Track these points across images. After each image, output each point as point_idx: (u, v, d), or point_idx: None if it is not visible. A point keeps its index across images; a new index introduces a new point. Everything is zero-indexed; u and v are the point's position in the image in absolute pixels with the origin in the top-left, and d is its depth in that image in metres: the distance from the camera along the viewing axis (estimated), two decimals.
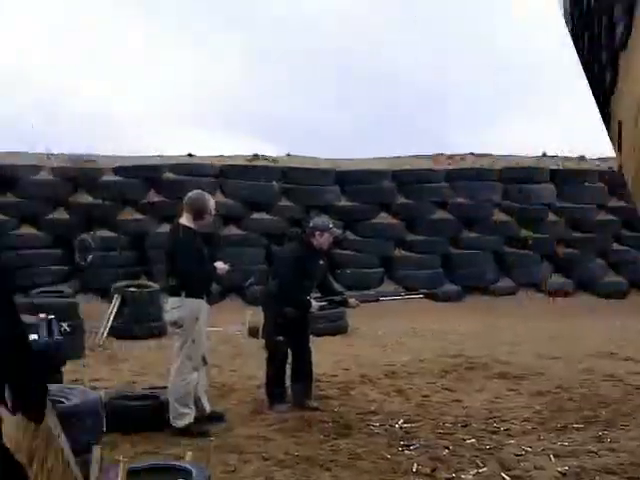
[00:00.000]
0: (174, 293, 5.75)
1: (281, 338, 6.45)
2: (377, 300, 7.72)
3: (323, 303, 6.72)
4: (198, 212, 5.78)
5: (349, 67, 32.43)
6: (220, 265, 6.01)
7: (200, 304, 5.81)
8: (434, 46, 33.01)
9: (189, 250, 5.75)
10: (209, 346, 6.56)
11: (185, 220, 5.82)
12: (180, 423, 5.62)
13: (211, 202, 5.91)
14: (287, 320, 6.41)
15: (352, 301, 6.85)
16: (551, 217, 16.66)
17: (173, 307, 5.74)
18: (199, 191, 6.10)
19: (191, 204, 5.82)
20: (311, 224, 6.69)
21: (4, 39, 31.44)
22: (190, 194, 5.95)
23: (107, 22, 32.40)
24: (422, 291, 8.51)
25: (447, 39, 33.21)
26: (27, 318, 7.27)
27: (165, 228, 13.16)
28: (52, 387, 4.69)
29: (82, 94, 31.38)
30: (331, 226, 6.68)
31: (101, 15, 33.18)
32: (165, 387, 6.26)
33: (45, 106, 28.82)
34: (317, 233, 6.52)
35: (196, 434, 5.55)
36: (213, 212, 5.94)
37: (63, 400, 4.30)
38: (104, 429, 4.89)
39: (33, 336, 6.34)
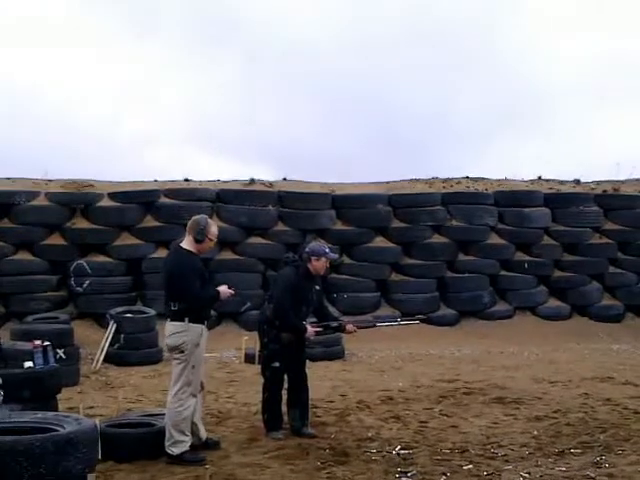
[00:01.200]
0: (177, 318, 5.67)
1: (277, 364, 6.43)
2: (374, 325, 7.68)
3: (319, 329, 6.69)
4: (200, 236, 5.77)
5: (345, 91, 32.64)
6: (224, 289, 5.96)
7: (202, 329, 5.80)
8: (430, 70, 33.27)
9: (194, 274, 5.74)
10: (205, 372, 6.52)
11: (187, 244, 5.82)
12: (176, 450, 5.57)
13: (214, 227, 5.90)
14: (283, 345, 6.39)
15: (349, 327, 6.83)
16: (546, 240, 16.70)
17: (176, 332, 5.65)
18: (203, 215, 6.08)
19: (194, 228, 5.80)
20: (307, 249, 6.67)
21: None
22: (194, 218, 5.93)
23: (102, 44, 32.62)
24: (419, 316, 8.48)
25: (443, 63, 33.48)
26: (22, 345, 7.26)
27: (161, 253, 13.18)
28: (47, 415, 4.67)
29: (79, 118, 31.50)
30: (327, 251, 6.68)
31: (96, 37, 33.39)
32: (161, 414, 6.23)
33: (43, 131, 28.89)
34: (314, 258, 6.52)
35: (191, 462, 5.50)
36: (215, 238, 5.93)
37: (58, 428, 4.28)
38: (99, 457, 4.87)
39: (28, 363, 6.31)
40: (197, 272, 5.78)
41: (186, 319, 5.66)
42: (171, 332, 5.70)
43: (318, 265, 6.54)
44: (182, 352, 5.66)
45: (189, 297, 5.68)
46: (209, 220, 5.94)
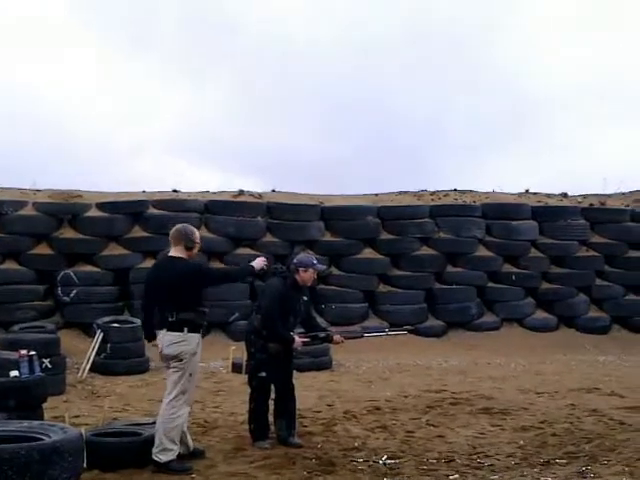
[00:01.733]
0: (175, 328, 5.69)
1: (264, 374, 6.42)
2: (361, 336, 7.70)
3: (307, 339, 6.70)
4: (190, 243, 5.84)
5: (334, 105, 32.78)
6: (257, 260, 6.11)
7: (199, 339, 5.86)
8: (419, 85, 33.48)
9: (197, 284, 5.83)
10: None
11: (178, 253, 5.85)
12: (164, 458, 5.54)
13: (197, 233, 6.00)
14: (270, 355, 6.39)
15: (336, 337, 6.84)
16: (534, 253, 16.79)
17: (175, 342, 5.67)
18: (184, 224, 6.12)
19: (181, 237, 5.86)
20: (295, 260, 6.70)
21: None
22: (177, 227, 5.99)
23: (95, 58, 32.66)
24: (406, 327, 8.51)
25: (434, 77, 33.69)
26: (8, 354, 7.23)
27: (149, 263, 13.15)
28: (33, 423, 4.65)
29: (67, 130, 31.46)
30: (315, 262, 6.70)
31: (87, 52, 33.44)
32: (147, 424, 6.21)
33: (32, 141, 28.85)
34: (301, 269, 6.54)
35: (178, 471, 5.49)
36: (199, 243, 6.01)
37: (44, 437, 4.26)
38: (85, 466, 4.85)
39: (14, 372, 6.28)
40: (198, 282, 5.92)
41: (185, 329, 5.70)
42: (170, 342, 5.69)
43: (306, 276, 6.56)
44: (180, 360, 5.69)
45: (193, 308, 5.76)
46: (191, 227, 6.03)
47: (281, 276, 6.64)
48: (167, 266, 5.93)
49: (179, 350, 5.69)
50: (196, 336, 5.80)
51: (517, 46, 35.04)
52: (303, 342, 6.57)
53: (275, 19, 32.67)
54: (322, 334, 6.86)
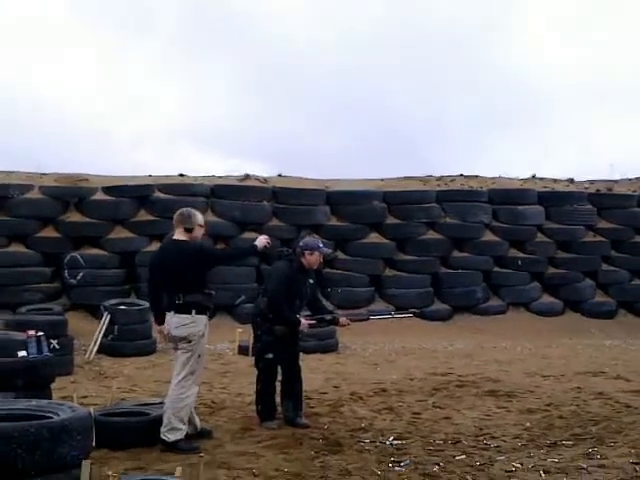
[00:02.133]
0: (183, 310, 5.73)
1: (271, 356, 6.44)
2: (367, 319, 7.69)
3: (313, 322, 6.70)
4: (188, 225, 5.86)
5: (341, 89, 32.66)
6: (260, 239, 6.09)
7: (206, 321, 5.91)
8: (425, 67, 33.30)
9: (200, 265, 5.86)
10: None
11: (180, 236, 5.89)
12: (171, 437, 5.58)
13: (199, 215, 6.01)
14: (277, 338, 6.41)
15: (342, 320, 6.84)
16: (540, 238, 16.76)
17: (183, 324, 5.71)
18: (187, 207, 6.15)
19: (179, 219, 5.90)
20: (301, 243, 6.70)
21: None
22: (178, 211, 6.02)
23: (99, 42, 32.55)
24: (412, 310, 8.49)
25: (439, 62, 33.53)
26: (15, 334, 7.26)
27: (154, 246, 13.17)
28: (41, 402, 4.67)
29: (75, 113, 31.45)
30: (321, 245, 6.70)
31: (93, 34, 33.33)
32: (155, 404, 6.24)
33: (38, 125, 28.86)
34: (307, 252, 6.54)
35: (186, 450, 5.52)
36: (203, 225, 6.01)
37: (53, 415, 4.28)
38: (93, 445, 4.88)
39: (22, 352, 6.31)
40: (204, 265, 5.98)
41: (193, 311, 5.74)
42: (178, 324, 5.73)
43: (311, 259, 6.56)
44: (189, 342, 5.74)
45: (200, 290, 5.80)
46: (191, 209, 6.04)
47: (287, 259, 6.64)
48: (170, 249, 5.99)
49: (187, 332, 5.73)
50: (204, 318, 5.85)
51: (526, 28, 34.82)
52: (309, 324, 6.59)
53: (282, 3, 32.51)
54: (328, 316, 6.87)
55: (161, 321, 5.93)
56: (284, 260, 6.65)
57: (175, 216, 5.99)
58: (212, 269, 6.39)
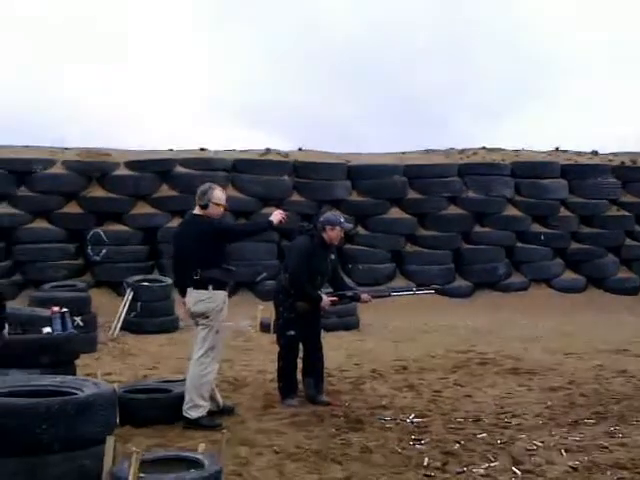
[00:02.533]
0: (200, 286, 5.76)
1: (292, 332, 6.45)
2: (389, 295, 7.68)
3: (335, 298, 6.70)
4: (203, 201, 5.86)
5: (361, 63, 32.39)
6: (275, 214, 6.08)
7: (225, 296, 5.92)
8: (446, 40, 32.92)
9: (217, 240, 5.88)
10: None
11: (197, 211, 5.94)
12: (194, 414, 5.63)
13: (217, 191, 5.92)
14: (298, 314, 6.42)
15: (364, 296, 6.82)
16: (563, 212, 16.60)
17: (201, 299, 5.75)
18: (208, 183, 6.13)
19: (198, 196, 5.93)
20: (322, 218, 6.67)
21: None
22: (200, 187, 6.03)
23: (120, 18, 32.46)
24: (433, 286, 8.47)
25: (460, 33, 33.08)
26: (40, 311, 7.33)
27: (176, 222, 13.21)
28: (66, 378, 4.73)
29: (95, 88, 31.50)
30: (342, 220, 6.67)
31: (114, 12, 33.24)
32: (178, 381, 6.29)
33: (60, 99, 28.95)
34: (328, 227, 6.51)
35: (208, 427, 5.57)
36: (221, 202, 5.94)
37: (77, 391, 4.33)
38: (117, 421, 4.93)
39: (47, 329, 6.38)
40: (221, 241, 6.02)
41: (210, 287, 5.76)
42: (196, 300, 5.77)
43: (333, 234, 6.53)
44: (207, 318, 5.77)
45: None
46: (212, 185, 6.01)
47: (308, 234, 6.62)
48: (190, 224, 6.11)
49: (205, 307, 5.75)
50: (222, 293, 5.86)
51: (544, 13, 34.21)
52: (331, 301, 6.58)
53: None
54: (350, 293, 6.86)
55: (183, 293, 5.99)
56: (305, 235, 6.63)
57: (197, 192, 6.00)
58: (229, 245, 6.41)
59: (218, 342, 5.90)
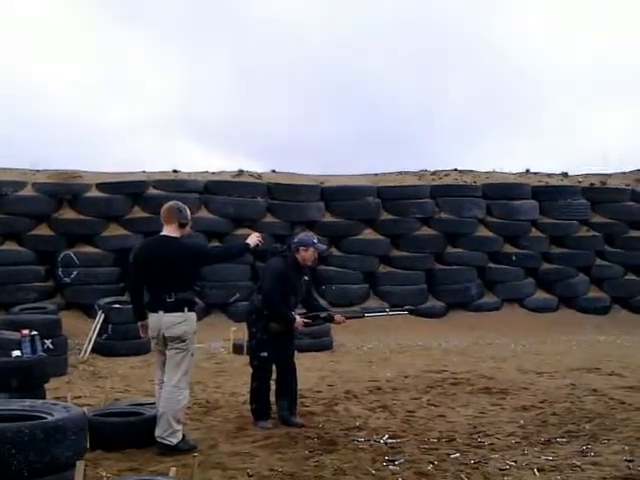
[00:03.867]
0: (175, 309, 5.60)
1: (265, 354, 6.42)
2: (362, 316, 7.69)
3: (308, 320, 6.68)
4: (182, 220, 5.72)
5: (334, 84, 32.62)
6: (252, 237, 6.01)
7: (195, 318, 5.80)
8: (419, 62, 33.29)
9: (197, 263, 5.84)
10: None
11: (172, 232, 5.72)
12: (174, 440, 5.51)
13: (188, 211, 5.86)
14: (271, 335, 6.40)
15: (338, 317, 6.82)
16: (534, 233, 16.78)
17: (177, 322, 5.58)
18: (175, 201, 5.98)
19: (173, 214, 5.72)
20: (296, 239, 6.69)
21: None
22: (169, 204, 5.83)
23: (94, 36, 32.42)
24: (407, 307, 8.49)
25: (432, 54, 33.50)
26: (10, 334, 7.24)
27: None
28: (35, 402, 4.66)
29: (67, 109, 31.33)
30: (316, 241, 6.69)
31: (86, 30, 33.20)
32: (149, 403, 6.21)
33: (31, 121, 28.76)
34: (302, 248, 6.53)
35: (187, 450, 5.44)
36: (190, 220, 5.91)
37: (47, 415, 4.27)
38: (87, 445, 4.86)
39: (16, 352, 6.29)
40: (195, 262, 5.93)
41: (185, 309, 5.63)
42: (172, 323, 5.58)
43: (306, 255, 6.54)
44: (184, 341, 5.62)
45: (191, 287, 5.76)
46: (181, 203, 5.89)
47: (281, 255, 6.62)
48: (164, 246, 5.72)
49: (182, 330, 5.60)
50: (194, 315, 5.76)
51: (514, 24, 34.80)
52: (305, 323, 6.57)
53: (275, 1, 32.42)
54: (323, 314, 6.86)
55: (142, 317, 5.80)
56: (279, 256, 6.63)
57: (164, 210, 5.79)
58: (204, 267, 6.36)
59: (192, 366, 5.81)
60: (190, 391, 6.07)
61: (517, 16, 34.89)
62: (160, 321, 5.62)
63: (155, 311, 5.65)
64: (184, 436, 5.70)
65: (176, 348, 5.64)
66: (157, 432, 5.53)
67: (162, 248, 5.73)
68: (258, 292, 6.58)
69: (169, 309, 5.61)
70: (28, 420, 4.14)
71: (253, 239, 6.00)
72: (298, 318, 6.48)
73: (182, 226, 5.74)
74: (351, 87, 32.47)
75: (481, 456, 5.43)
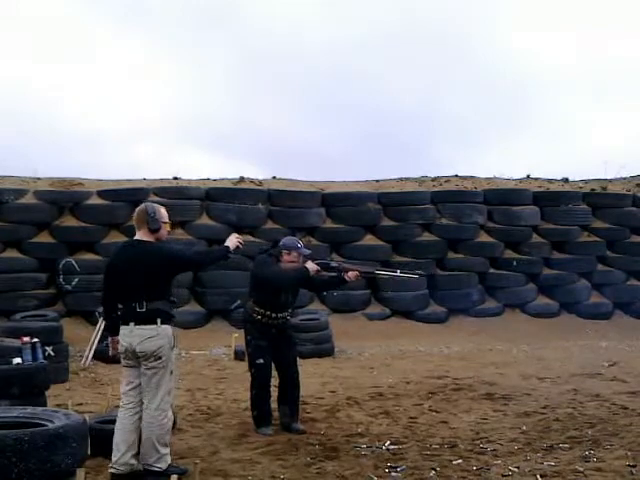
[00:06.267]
0: (147, 321, 5.03)
1: (262, 361, 6.38)
2: (374, 273, 7.54)
3: (319, 268, 6.51)
4: (153, 225, 5.15)
5: (335, 90, 32.67)
6: (231, 238, 5.47)
7: (172, 332, 5.19)
8: (419, 69, 33.34)
9: (174, 270, 5.29)
10: (194, 369, 6.50)
11: (144, 236, 5.19)
12: (164, 465, 5.03)
13: (162, 210, 5.26)
14: (269, 340, 6.38)
15: (350, 274, 6.50)
16: (535, 238, 16.77)
17: (149, 337, 4.99)
18: (148, 203, 5.43)
19: (142, 218, 5.18)
20: (280, 243, 6.64)
21: None
22: (139, 207, 5.29)
23: (93, 42, 32.51)
24: (418, 272, 8.25)
25: (432, 62, 33.56)
26: (10, 341, 7.23)
27: None
28: (36, 409, 4.65)
29: (68, 116, 31.40)
30: (300, 246, 6.61)
31: (86, 35, 33.29)
32: None
33: (32, 128, 28.81)
34: (284, 252, 6.48)
35: (178, 473, 4.86)
36: (168, 220, 5.30)
37: (47, 423, 4.26)
38: (88, 452, 4.85)
39: (17, 359, 6.28)
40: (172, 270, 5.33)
41: (158, 320, 5.04)
42: (143, 337, 4.99)
43: (288, 259, 6.48)
44: (159, 359, 5.02)
45: (169, 296, 5.19)
46: (153, 204, 5.32)
47: (268, 254, 6.57)
48: (136, 252, 5.16)
49: (157, 345, 5.00)
50: (169, 328, 5.13)
51: (517, 27, 34.88)
52: (317, 270, 6.39)
53: (274, 4, 32.51)
54: (334, 263, 6.74)
55: (114, 331, 5.23)
56: (266, 254, 6.59)
57: (135, 214, 5.24)
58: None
59: (173, 384, 5.28)
60: (192, 397, 6.06)
61: (518, 20, 34.95)
62: (131, 334, 5.04)
63: (126, 323, 5.07)
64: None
65: (152, 367, 5.05)
66: (142, 459, 5.05)
67: (134, 253, 5.18)
68: (249, 296, 6.55)
69: (140, 321, 5.03)
70: (29, 427, 4.13)
71: (232, 241, 5.45)
72: (310, 264, 6.39)
73: (153, 231, 5.17)
74: (353, 94, 32.51)
75: (483, 462, 5.41)
